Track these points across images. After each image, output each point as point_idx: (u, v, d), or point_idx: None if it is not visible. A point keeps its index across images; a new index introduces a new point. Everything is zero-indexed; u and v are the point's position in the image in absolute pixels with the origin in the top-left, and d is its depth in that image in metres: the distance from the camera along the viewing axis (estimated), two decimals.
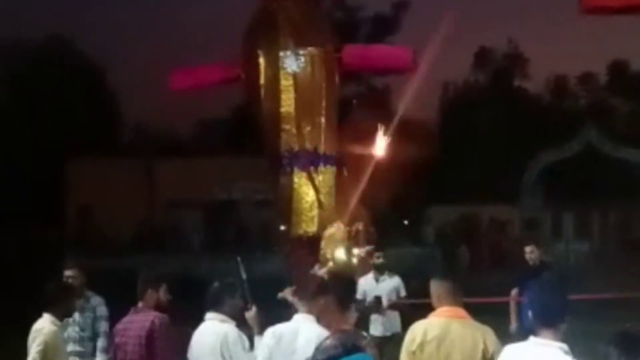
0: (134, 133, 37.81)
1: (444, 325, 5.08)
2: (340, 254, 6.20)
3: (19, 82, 32.75)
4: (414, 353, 5.10)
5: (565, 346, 3.88)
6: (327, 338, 2.99)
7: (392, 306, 9.70)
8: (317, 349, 2.87)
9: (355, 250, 7.91)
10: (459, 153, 31.21)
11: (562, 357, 3.84)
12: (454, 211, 29.20)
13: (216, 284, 5.64)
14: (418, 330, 5.16)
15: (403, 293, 9.91)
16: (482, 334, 5.04)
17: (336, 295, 5.08)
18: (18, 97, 32.04)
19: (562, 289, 4.13)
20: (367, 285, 9.66)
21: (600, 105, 36.83)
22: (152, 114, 49.79)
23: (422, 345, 5.06)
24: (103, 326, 7.26)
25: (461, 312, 5.15)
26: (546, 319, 3.93)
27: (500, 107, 33.30)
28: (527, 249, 9.20)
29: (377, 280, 9.81)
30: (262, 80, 11.37)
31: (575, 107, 36.94)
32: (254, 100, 11.74)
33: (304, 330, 5.39)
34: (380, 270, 9.86)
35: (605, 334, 3.11)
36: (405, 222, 30.31)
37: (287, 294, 5.89)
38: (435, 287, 5.25)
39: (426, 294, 7.03)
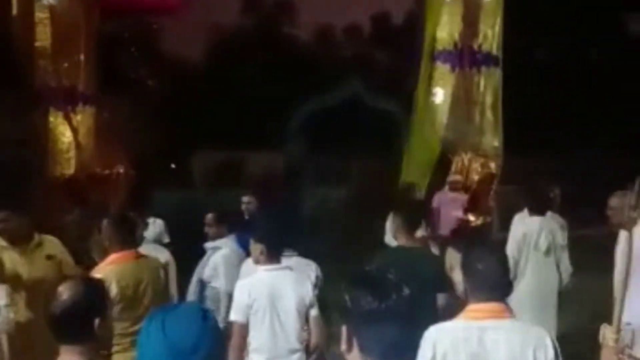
0: None
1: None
2: None
3: None
4: None
5: None
6: None
7: None
8: None
9: None
10: (226, 98, 31.18)
11: None
12: (220, 156, 29.20)
13: None
14: None
15: (167, 239, 9.61)
16: None
17: None
18: None
19: None
20: None
21: (363, 57, 38.07)
22: None
23: None
24: None
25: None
26: None
27: (269, 53, 33.54)
28: (245, 198, 9.10)
29: None
30: (15, 12, 10.70)
31: (340, 58, 37.92)
32: (6, 32, 11.04)
33: None
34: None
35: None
36: (173, 165, 29.98)
37: None
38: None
39: (190, 236, 7.00)
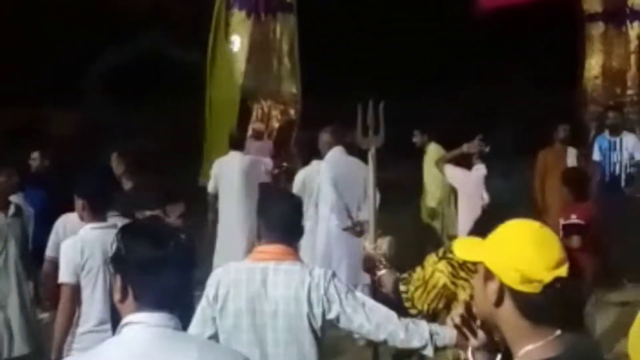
0: None
1: None
2: None
3: None
4: None
5: None
6: None
7: None
8: None
9: None
10: (18, 52, 29.66)
11: None
12: (19, 114, 27.92)
13: None
14: None
15: None
16: None
17: None
18: None
19: None
20: None
21: (161, 6, 37.27)
22: None
23: None
24: None
25: None
26: None
27: (63, 3, 32.14)
28: (33, 154, 9.08)
29: None
30: None
31: (138, 7, 36.92)
32: None
33: None
34: None
35: None
36: None
37: None
38: None
39: None
